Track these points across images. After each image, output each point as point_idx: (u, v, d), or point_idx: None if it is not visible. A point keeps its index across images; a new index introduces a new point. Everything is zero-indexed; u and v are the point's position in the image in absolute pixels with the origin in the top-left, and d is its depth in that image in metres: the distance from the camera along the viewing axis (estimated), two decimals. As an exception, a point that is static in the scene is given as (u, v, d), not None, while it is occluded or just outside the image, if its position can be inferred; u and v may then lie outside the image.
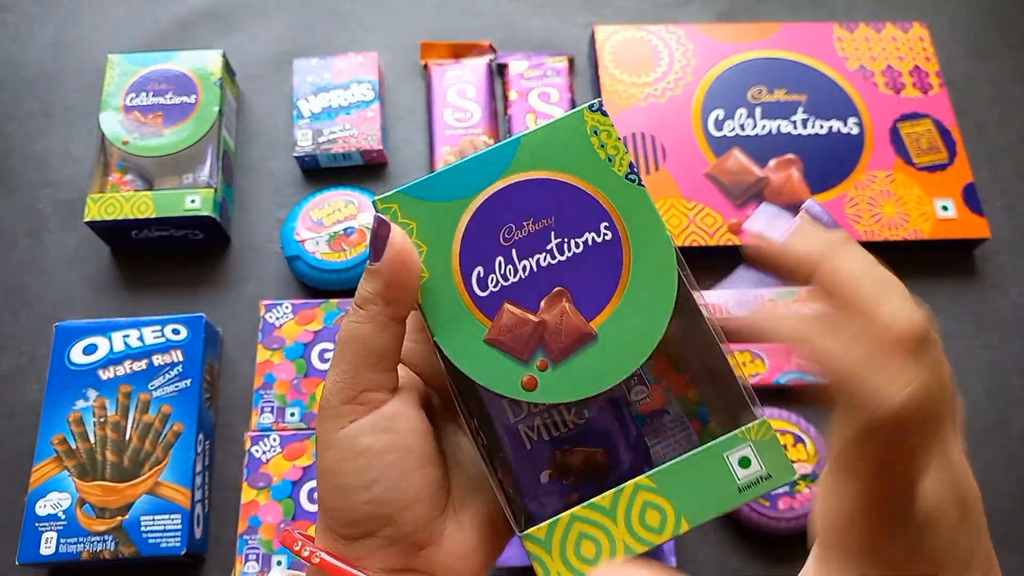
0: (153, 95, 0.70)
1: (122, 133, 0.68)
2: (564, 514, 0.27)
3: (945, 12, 0.82)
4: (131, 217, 0.65)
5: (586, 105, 0.28)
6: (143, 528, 0.57)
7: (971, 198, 0.70)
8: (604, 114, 0.28)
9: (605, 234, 0.28)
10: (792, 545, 0.61)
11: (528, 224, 0.28)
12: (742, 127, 0.73)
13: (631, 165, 0.28)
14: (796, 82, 0.75)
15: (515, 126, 0.73)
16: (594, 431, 0.29)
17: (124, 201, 0.66)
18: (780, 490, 0.59)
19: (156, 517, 0.57)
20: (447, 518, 0.28)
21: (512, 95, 0.75)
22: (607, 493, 0.27)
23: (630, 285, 0.28)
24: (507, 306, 0.27)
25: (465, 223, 0.28)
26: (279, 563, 0.57)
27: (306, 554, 0.27)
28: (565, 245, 0.28)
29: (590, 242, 0.28)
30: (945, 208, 0.70)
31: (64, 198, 0.72)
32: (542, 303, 0.27)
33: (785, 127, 0.73)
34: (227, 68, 0.73)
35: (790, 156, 0.71)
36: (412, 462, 0.27)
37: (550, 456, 0.29)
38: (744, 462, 0.27)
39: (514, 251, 0.28)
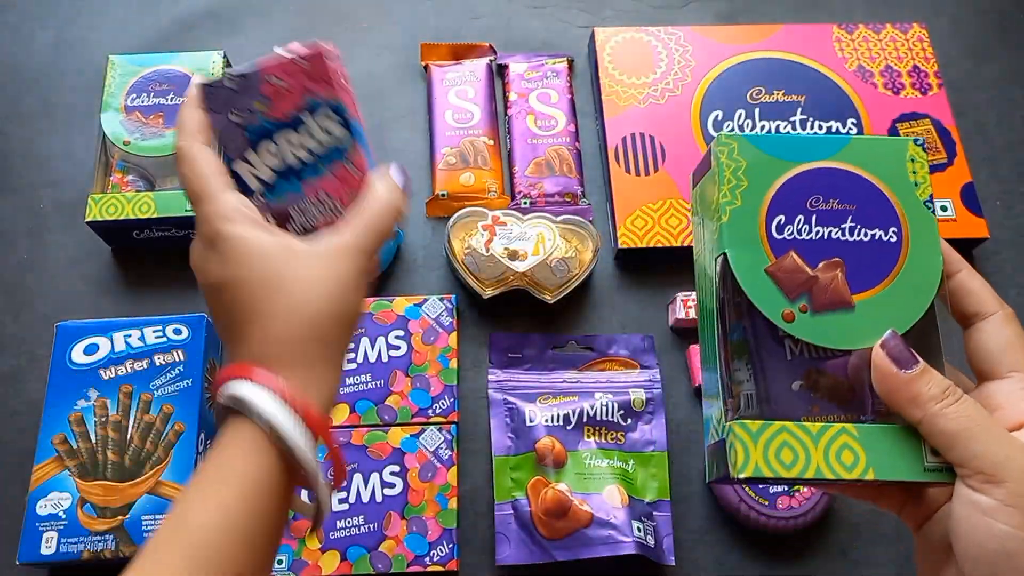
0: (154, 96, 0.70)
1: (123, 133, 0.68)
2: (777, 422, 0.32)
3: (944, 13, 0.82)
4: (132, 217, 0.66)
5: (913, 138, 0.35)
6: (144, 528, 0.57)
7: (970, 198, 0.71)
8: (924, 150, 0.36)
9: (891, 237, 0.34)
10: (792, 544, 0.61)
11: (833, 202, 0.35)
12: (741, 127, 0.73)
13: (931, 196, 0.35)
14: (795, 83, 0.75)
15: (515, 127, 0.73)
16: (847, 370, 0.34)
17: (125, 201, 0.66)
18: (779, 489, 0.59)
19: (157, 517, 0.57)
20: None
21: (512, 96, 0.75)
22: (818, 423, 0.32)
23: (894, 283, 0.34)
24: (792, 253, 0.34)
25: (785, 179, 0.35)
26: (279, 562, 0.58)
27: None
28: (856, 230, 0.34)
29: (877, 237, 0.34)
30: (944, 208, 0.70)
31: (65, 198, 0.72)
32: (820, 264, 0.34)
33: (784, 127, 0.73)
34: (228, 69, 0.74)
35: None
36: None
37: (808, 370, 0.34)
38: (935, 451, 0.31)
39: (814, 216, 0.34)
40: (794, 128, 0.73)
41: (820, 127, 0.73)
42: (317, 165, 0.39)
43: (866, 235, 0.34)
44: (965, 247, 0.71)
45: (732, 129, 0.73)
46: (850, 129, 0.73)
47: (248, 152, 0.38)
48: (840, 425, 0.32)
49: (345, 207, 0.39)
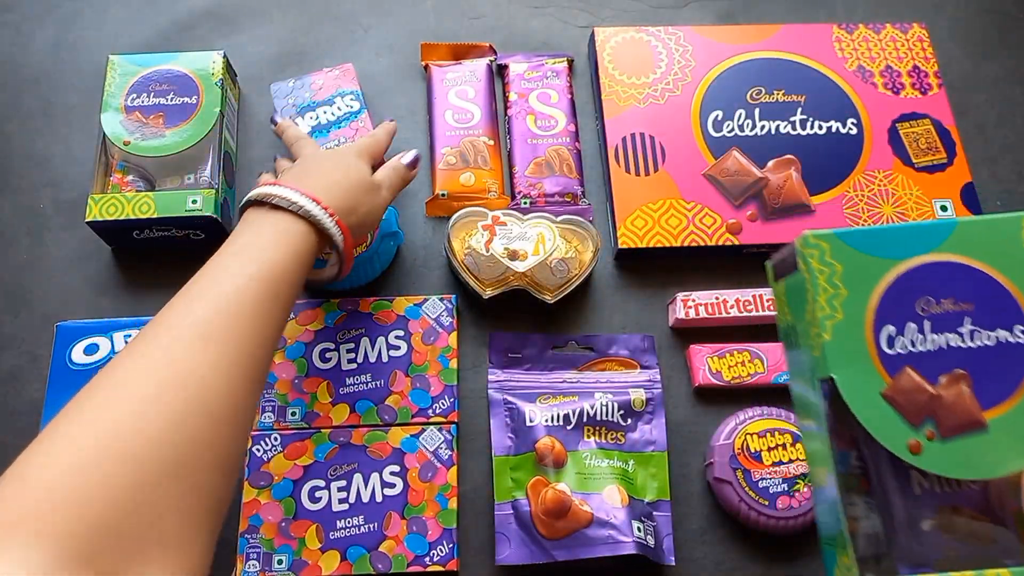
0: (154, 96, 0.70)
1: (123, 134, 0.68)
2: None
3: (944, 12, 0.82)
4: (132, 217, 0.66)
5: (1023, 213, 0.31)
6: (144, 527, 0.57)
7: (970, 198, 0.71)
8: None
9: (1019, 337, 0.30)
10: (791, 544, 0.61)
11: (947, 303, 0.30)
12: (741, 127, 0.73)
13: None
14: (795, 83, 0.75)
15: (515, 127, 0.73)
16: (982, 500, 0.30)
17: (125, 201, 0.66)
18: (779, 489, 0.59)
19: (157, 516, 0.57)
20: None
21: (512, 96, 0.75)
22: (971, 572, 0.27)
23: None
24: (908, 370, 0.29)
25: (889, 281, 0.30)
26: (279, 562, 0.58)
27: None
28: (977, 334, 0.30)
29: (1003, 339, 0.29)
30: (944, 208, 0.70)
31: (65, 198, 0.72)
32: (942, 379, 0.29)
33: (784, 127, 0.73)
34: (228, 69, 0.74)
35: (789, 157, 0.71)
36: None
37: (940, 507, 0.30)
38: None
39: (927, 323, 0.30)
40: (794, 128, 0.73)
41: (820, 127, 0.73)
42: (340, 121, 0.70)
43: (990, 338, 0.29)
44: (965, 247, 0.71)
45: (732, 130, 0.73)
46: (850, 129, 0.73)
47: (296, 118, 0.70)
48: (993, 572, 0.27)
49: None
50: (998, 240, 0.30)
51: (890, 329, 0.29)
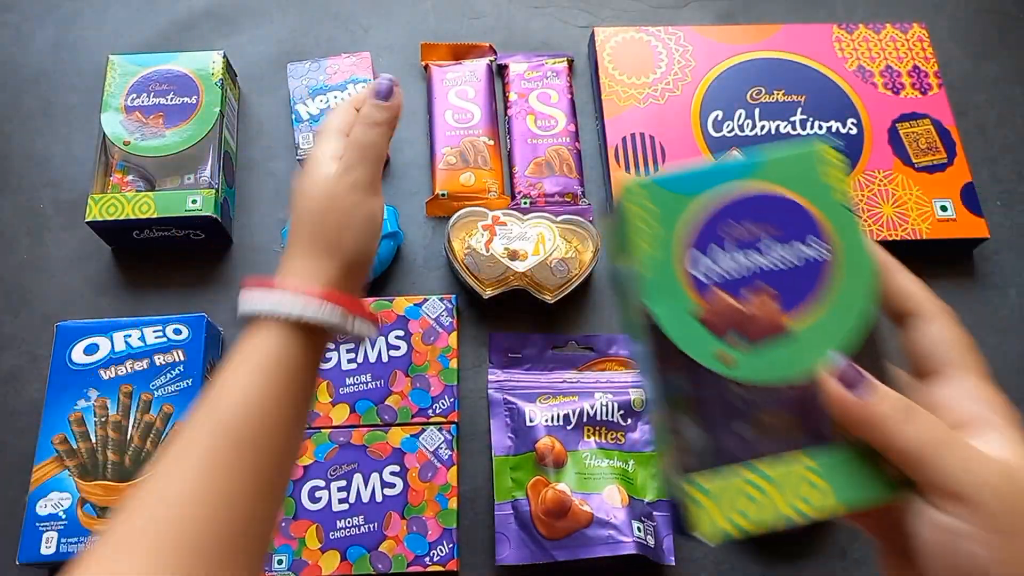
0: (154, 96, 0.70)
1: (123, 134, 0.68)
2: (730, 472, 0.30)
3: (944, 13, 0.82)
4: (132, 217, 0.66)
5: (824, 141, 0.33)
6: (144, 527, 0.57)
7: (970, 198, 0.71)
8: (838, 152, 0.33)
9: (818, 252, 0.32)
10: (792, 544, 0.61)
11: (751, 227, 0.32)
12: (741, 128, 0.73)
13: (850, 198, 0.32)
14: (795, 83, 0.75)
15: (515, 127, 0.73)
16: (793, 400, 0.32)
17: (125, 201, 0.66)
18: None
19: (157, 516, 0.57)
20: None
21: (512, 96, 0.75)
22: (773, 461, 0.30)
23: (831, 300, 0.32)
24: (716, 289, 0.32)
25: (697, 216, 0.32)
26: (279, 562, 0.58)
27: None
28: (780, 252, 0.32)
29: (803, 255, 0.32)
30: (944, 208, 0.70)
31: (65, 198, 0.72)
32: (746, 293, 0.32)
33: (784, 128, 0.73)
34: (228, 69, 0.74)
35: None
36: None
37: (754, 414, 0.32)
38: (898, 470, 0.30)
39: (731, 245, 0.32)
40: (794, 128, 0.73)
41: (820, 127, 0.73)
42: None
43: (791, 255, 0.32)
44: (965, 247, 0.71)
45: (732, 130, 0.73)
46: (850, 129, 0.73)
47: (308, 100, 0.74)
48: (797, 455, 0.30)
49: None
50: (797, 166, 0.33)
51: (700, 258, 0.32)
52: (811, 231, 0.32)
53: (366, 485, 0.60)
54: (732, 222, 0.32)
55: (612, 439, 0.62)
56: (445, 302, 0.66)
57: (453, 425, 0.62)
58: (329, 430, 0.61)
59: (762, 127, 0.73)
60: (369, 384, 0.63)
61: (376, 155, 0.45)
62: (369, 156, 0.44)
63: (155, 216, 0.66)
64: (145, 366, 0.61)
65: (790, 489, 0.30)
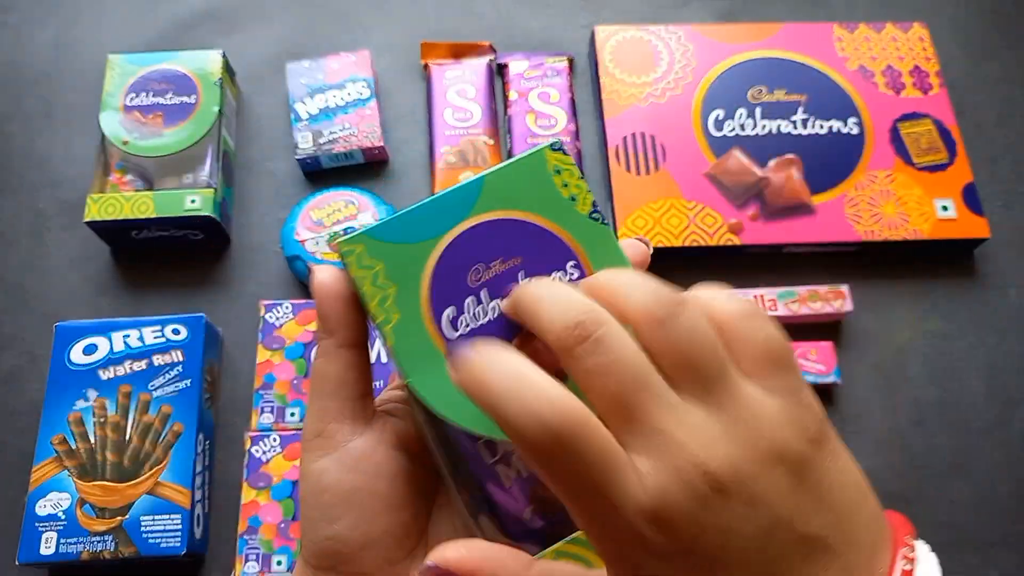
0: (153, 95, 0.70)
1: (122, 133, 0.68)
2: (547, 551, 0.26)
3: (945, 12, 0.82)
4: (131, 217, 0.65)
5: (547, 144, 0.28)
6: (143, 528, 0.57)
7: (971, 198, 0.70)
8: (565, 153, 0.28)
9: (572, 273, 0.27)
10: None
11: (496, 264, 0.27)
12: (742, 127, 0.73)
13: (594, 204, 0.28)
14: (796, 82, 0.75)
15: (515, 126, 0.73)
16: None
17: (124, 201, 0.66)
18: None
19: (156, 517, 0.57)
20: (414, 560, 0.27)
21: (512, 95, 0.75)
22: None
23: None
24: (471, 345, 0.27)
25: (433, 264, 0.27)
26: (278, 563, 0.58)
27: None
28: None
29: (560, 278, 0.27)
30: (945, 208, 0.70)
31: (64, 198, 0.72)
32: (515, 343, 0.27)
33: (785, 127, 0.73)
34: (227, 68, 0.73)
35: (790, 156, 0.71)
36: (378, 505, 0.27)
37: (530, 491, 0.28)
38: None
39: (483, 292, 0.27)
40: (795, 128, 0.72)
41: (821, 126, 0.73)
42: (347, 107, 0.71)
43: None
44: (966, 247, 0.71)
45: (733, 129, 0.72)
46: (851, 129, 0.73)
47: (307, 99, 0.72)
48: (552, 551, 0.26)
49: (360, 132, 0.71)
50: (528, 181, 0.28)
51: (450, 312, 0.27)
52: (566, 255, 0.27)
53: (365, 485, 0.60)
54: (478, 263, 0.27)
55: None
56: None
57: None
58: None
59: (763, 126, 0.73)
60: (368, 384, 0.63)
61: (320, 387, 0.28)
62: (314, 390, 0.29)
63: (154, 216, 0.65)
64: (144, 366, 0.61)
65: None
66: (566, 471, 0.21)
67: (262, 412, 0.62)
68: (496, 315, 0.27)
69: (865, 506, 0.23)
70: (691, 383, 0.22)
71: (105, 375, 0.61)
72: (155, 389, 0.60)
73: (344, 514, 0.26)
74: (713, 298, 0.24)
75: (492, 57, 0.78)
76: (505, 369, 0.22)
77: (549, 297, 0.23)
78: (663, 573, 0.21)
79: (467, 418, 0.26)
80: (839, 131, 0.73)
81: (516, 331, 0.27)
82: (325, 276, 0.28)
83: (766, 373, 0.23)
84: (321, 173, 0.73)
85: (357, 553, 0.26)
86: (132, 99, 0.70)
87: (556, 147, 0.28)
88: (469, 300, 0.27)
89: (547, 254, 0.27)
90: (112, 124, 0.69)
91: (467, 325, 0.27)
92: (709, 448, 0.21)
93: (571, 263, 0.27)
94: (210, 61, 0.72)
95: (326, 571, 0.27)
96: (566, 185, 0.28)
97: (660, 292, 0.23)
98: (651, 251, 0.29)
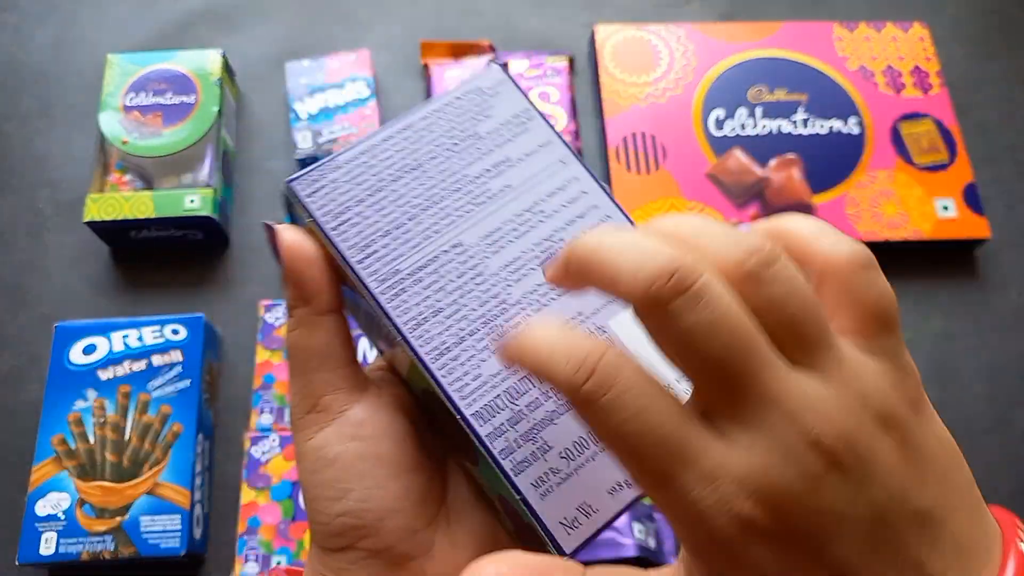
0: (152, 95, 0.70)
1: (121, 133, 0.68)
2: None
3: (945, 12, 0.82)
4: (130, 217, 0.65)
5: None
6: (143, 528, 0.56)
7: (972, 198, 0.70)
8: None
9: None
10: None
11: None
12: (742, 127, 0.72)
13: None
14: (796, 82, 0.74)
15: (515, 126, 0.73)
16: None
17: (123, 201, 0.66)
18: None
19: (156, 517, 0.57)
20: (437, 530, 0.26)
21: (512, 95, 0.75)
22: None
23: None
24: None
25: None
26: (278, 563, 0.57)
27: None
28: None
29: None
30: (946, 208, 0.70)
31: (64, 198, 0.72)
32: None
33: (786, 127, 0.72)
34: (226, 68, 0.73)
35: (791, 156, 0.71)
36: (388, 470, 0.25)
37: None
38: None
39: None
40: (796, 127, 0.72)
41: (822, 126, 0.73)
42: (347, 106, 0.72)
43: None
44: (967, 247, 0.71)
45: (734, 129, 0.72)
46: (852, 128, 0.73)
47: (306, 98, 0.72)
48: None
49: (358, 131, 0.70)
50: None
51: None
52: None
53: (365, 486, 0.59)
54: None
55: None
56: (444, 302, 0.66)
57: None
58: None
59: (764, 126, 0.72)
60: (368, 384, 0.63)
61: (303, 362, 0.26)
62: (296, 367, 0.26)
63: (153, 216, 0.65)
64: (143, 367, 0.61)
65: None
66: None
67: (261, 412, 0.62)
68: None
69: (962, 471, 0.21)
70: (792, 346, 0.19)
71: (104, 375, 0.61)
72: (154, 389, 0.60)
73: (354, 485, 0.24)
74: (816, 238, 0.21)
75: (492, 56, 0.77)
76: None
77: (622, 244, 0.19)
78: (765, 561, 0.19)
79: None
80: (839, 131, 0.73)
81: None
82: (295, 237, 0.25)
83: (870, 333, 0.20)
84: (321, 173, 0.73)
85: (374, 525, 0.24)
86: (131, 99, 0.70)
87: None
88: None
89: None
90: (111, 124, 0.69)
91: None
92: (823, 420, 0.19)
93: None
94: (209, 61, 0.72)
95: (343, 552, 0.25)
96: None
97: (744, 239, 0.19)
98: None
